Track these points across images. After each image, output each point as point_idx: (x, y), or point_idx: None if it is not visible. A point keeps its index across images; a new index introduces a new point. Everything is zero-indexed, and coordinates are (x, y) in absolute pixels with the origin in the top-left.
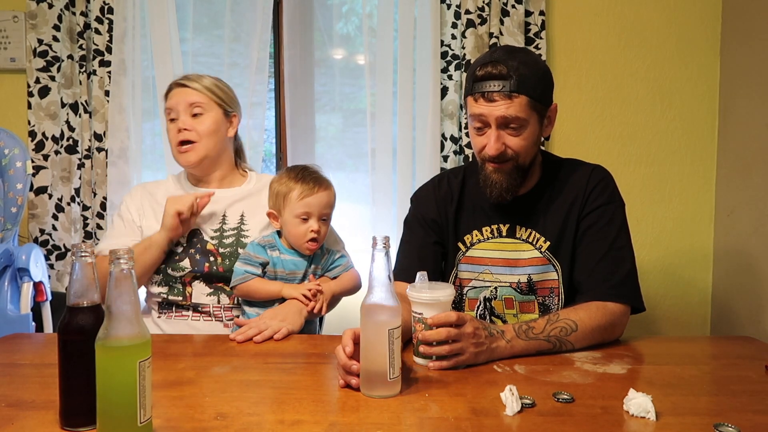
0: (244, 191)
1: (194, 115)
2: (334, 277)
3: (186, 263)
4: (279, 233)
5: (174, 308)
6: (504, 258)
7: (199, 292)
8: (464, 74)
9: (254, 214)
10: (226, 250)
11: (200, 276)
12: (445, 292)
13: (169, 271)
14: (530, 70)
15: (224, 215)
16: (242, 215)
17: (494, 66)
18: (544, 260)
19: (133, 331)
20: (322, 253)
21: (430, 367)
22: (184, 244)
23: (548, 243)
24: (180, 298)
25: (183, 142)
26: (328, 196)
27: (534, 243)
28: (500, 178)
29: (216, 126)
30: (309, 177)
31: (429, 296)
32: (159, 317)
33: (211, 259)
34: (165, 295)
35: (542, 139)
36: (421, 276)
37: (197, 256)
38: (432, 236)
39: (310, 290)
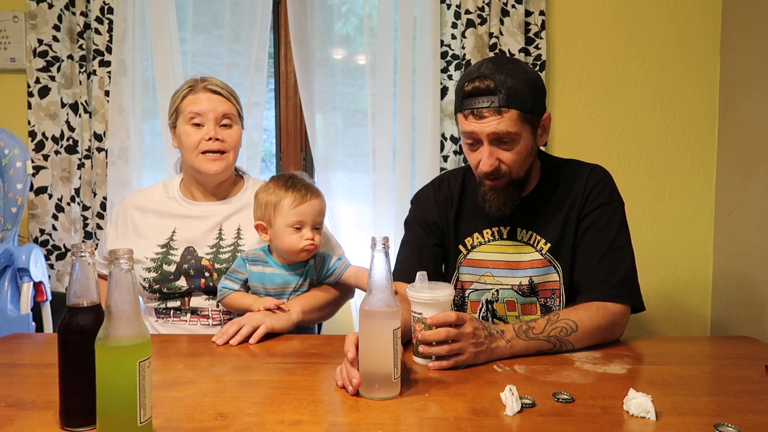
0: (241, 203)
1: (223, 125)
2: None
3: (182, 282)
4: (269, 246)
5: (172, 312)
6: (505, 260)
7: (198, 298)
8: None
9: (251, 227)
10: (222, 265)
11: (198, 290)
12: (444, 292)
13: (165, 290)
14: (518, 82)
15: (220, 230)
16: (239, 229)
17: (482, 81)
18: (545, 262)
19: (133, 331)
20: (315, 263)
21: (429, 367)
22: (177, 261)
23: (549, 245)
24: (178, 303)
25: (212, 151)
26: (320, 204)
27: (535, 245)
28: (497, 196)
29: (240, 139)
30: (299, 184)
31: (428, 296)
32: (156, 321)
33: (207, 275)
34: (163, 304)
35: (538, 147)
36: (420, 276)
37: (191, 272)
38: (432, 238)
39: (269, 309)
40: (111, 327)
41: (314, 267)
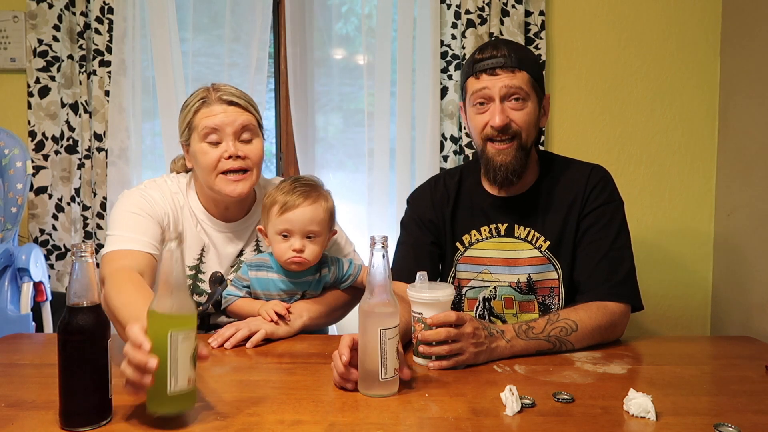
0: (256, 216)
1: (243, 140)
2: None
3: (210, 309)
4: None
5: None
6: (503, 257)
7: (219, 318)
8: None
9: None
10: None
11: (221, 312)
12: (444, 292)
13: None
14: (527, 54)
15: (242, 251)
16: (257, 243)
17: (494, 47)
18: (544, 260)
19: (171, 304)
20: (330, 272)
21: (429, 367)
22: (207, 291)
23: (548, 242)
24: (198, 322)
25: (234, 170)
26: (313, 211)
27: (533, 242)
28: (505, 160)
29: (263, 153)
30: (297, 189)
31: (429, 296)
32: None
33: (224, 293)
34: None
35: (540, 129)
36: (421, 276)
37: (219, 299)
38: (429, 236)
39: (275, 313)
40: (157, 297)
41: (329, 275)
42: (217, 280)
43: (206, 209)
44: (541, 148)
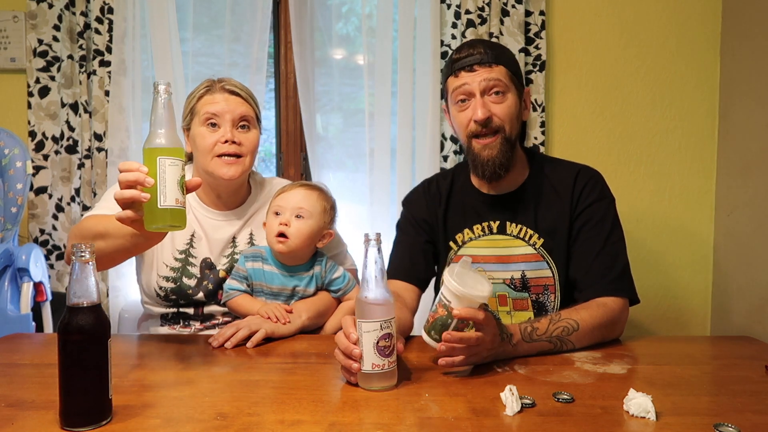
0: (251, 209)
1: (240, 128)
2: (336, 296)
3: (200, 296)
4: None
5: (181, 320)
6: (496, 255)
7: (212, 306)
8: None
9: (262, 231)
10: None
11: (214, 301)
12: (483, 288)
13: (181, 302)
14: (503, 50)
15: (234, 239)
16: (251, 235)
17: (470, 46)
18: (538, 257)
19: (158, 140)
20: (321, 270)
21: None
22: (198, 276)
23: (542, 240)
24: (191, 311)
25: (228, 154)
26: (303, 193)
27: (527, 239)
28: (491, 154)
29: (258, 143)
30: (300, 181)
31: (466, 291)
32: (162, 326)
33: (224, 286)
34: (174, 309)
35: (523, 122)
36: (465, 260)
37: (210, 287)
38: (423, 236)
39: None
40: (148, 137)
41: (320, 274)
42: (207, 266)
43: (199, 197)
44: (542, 148)
